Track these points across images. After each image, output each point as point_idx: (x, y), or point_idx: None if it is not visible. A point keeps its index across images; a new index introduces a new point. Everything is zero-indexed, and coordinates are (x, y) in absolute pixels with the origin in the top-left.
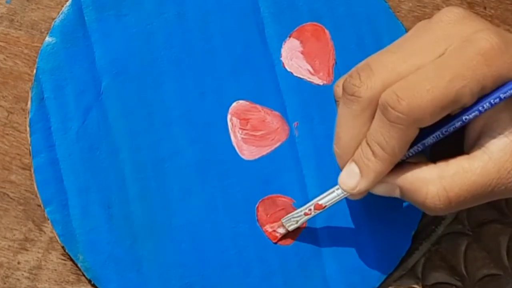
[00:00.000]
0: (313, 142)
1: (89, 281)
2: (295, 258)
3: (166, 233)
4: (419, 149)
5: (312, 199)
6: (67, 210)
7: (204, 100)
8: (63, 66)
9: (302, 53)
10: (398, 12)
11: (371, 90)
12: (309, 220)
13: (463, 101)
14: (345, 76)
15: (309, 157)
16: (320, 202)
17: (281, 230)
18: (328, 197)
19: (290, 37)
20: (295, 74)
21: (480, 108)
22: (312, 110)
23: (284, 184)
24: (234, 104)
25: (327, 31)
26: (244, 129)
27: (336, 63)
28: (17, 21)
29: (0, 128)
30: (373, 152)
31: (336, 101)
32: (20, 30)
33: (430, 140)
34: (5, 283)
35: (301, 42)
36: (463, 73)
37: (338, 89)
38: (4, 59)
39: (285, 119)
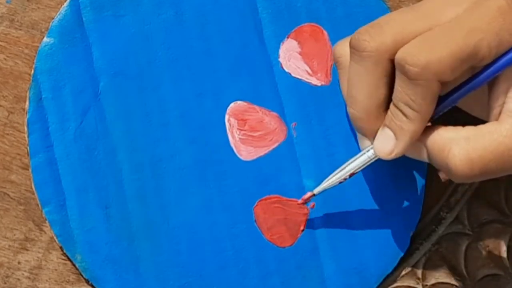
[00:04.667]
0: (311, 142)
1: (87, 281)
2: (293, 259)
3: (164, 233)
4: (447, 107)
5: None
6: (65, 211)
7: (202, 100)
8: (61, 66)
9: (300, 54)
10: None
11: (382, 44)
12: (307, 221)
13: (482, 54)
14: (346, 38)
15: (307, 157)
16: (354, 170)
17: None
18: (357, 162)
19: (288, 37)
20: (293, 75)
21: (503, 62)
22: (310, 110)
23: (282, 184)
24: (232, 104)
25: (325, 32)
26: (242, 130)
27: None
28: (18, 21)
29: (1, 128)
30: (403, 113)
31: (335, 62)
32: (20, 30)
33: (456, 97)
34: (5, 283)
35: (299, 43)
36: (480, 26)
37: (338, 48)
38: (5, 59)
39: (283, 119)
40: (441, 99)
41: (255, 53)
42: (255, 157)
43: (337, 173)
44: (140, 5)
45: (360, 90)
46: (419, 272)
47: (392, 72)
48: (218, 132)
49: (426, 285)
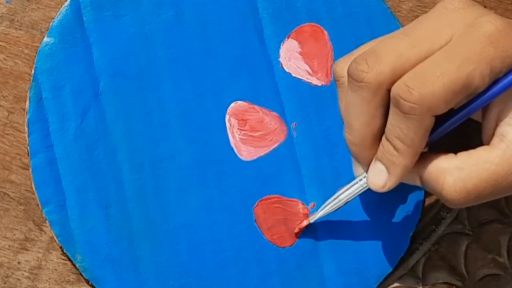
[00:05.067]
0: (312, 142)
1: (87, 281)
2: (293, 259)
3: (164, 233)
4: (438, 137)
5: (310, 200)
6: (65, 211)
7: (202, 100)
8: (61, 66)
9: (300, 53)
10: (398, 12)
11: (380, 75)
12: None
13: (475, 84)
14: (347, 56)
15: (307, 157)
16: (346, 199)
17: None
18: (350, 190)
19: (288, 37)
20: (293, 75)
21: (495, 90)
22: (310, 110)
23: (282, 184)
24: (232, 104)
25: (325, 32)
26: (242, 130)
27: (334, 63)
28: (18, 21)
29: (1, 128)
30: (395, 147)
31: (336, 81)
32: (20, 30)
33: (448, 126)
34: (5, 283)
35: (300, 42)
36: (471, 57)
37: (338, 68)
38: (5, 59)
39: (283, 119)
40: (434, 127)
41: (256, 53)
42: (255, 157)
43: (331, 202)
44: (140, 5)
45: (357, 118)
46: (419, 272)
47: (389, 101)
48: (218, 132)
49: (426, 285)
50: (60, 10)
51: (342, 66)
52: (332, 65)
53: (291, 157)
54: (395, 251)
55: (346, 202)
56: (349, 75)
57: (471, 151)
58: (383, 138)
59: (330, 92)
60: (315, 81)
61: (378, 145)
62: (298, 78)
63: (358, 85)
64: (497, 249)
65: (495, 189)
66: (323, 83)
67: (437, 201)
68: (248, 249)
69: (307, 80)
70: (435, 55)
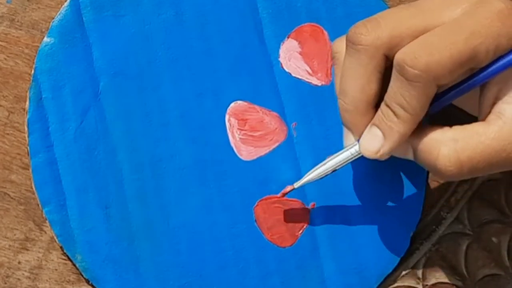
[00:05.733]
0: (311, 142)
1: (87, 281)
2: (293, 258)
3: (164, 233)
4: (440, 107)
5: (310, 199)
6: (65, 210)
7: (202, 100)
8: (61, 66)
9: (300, 53)
10: None
11: (378, 39)
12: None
13: (480, 58)
14: (345, 35)
15: (307, 157)
16: (334, 167)
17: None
18: (339, 158)
19: (288, 37)
20: (293, 75)
21: (497, 67)
22: (310, 110)
23: (282, 184)
24: (232, 104)
25: (325, 32)
26: (242, 130)
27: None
28: (18, 21)
29: (1, 128)
30: (395, 113)
31: (332, 57)
32: (20, 30)
33: (450, 97)
34: (5, 283)
35: (300, 42)
36: (479, 30)
37: (335, 46)
38: (5, 59)
39: (283, 119)
40: (434, 99)
41: (255, 53)
42: (255, 157)
43: (318, 168)
44: (140, 5)
45: (352, 83)
46: (419, 272)
47: (385, 68)
48: (218, 132)
49: (426, 285)
50: (60, 10)
51: (339, 44)
52: (332, 65)
53: (291, 157)
54: (395, 251)
55: (334, 170)
56: (347, 39)
57: (467, 126)
58: (383, 105)
59: (330, 92)
60: (315, 81)
61: (372, 113)
62: (298, 78)
63: (356, 48)
64: (497, 249)
65: (489, 163)
66: (323, 83)
67: (438, 201)
68: (248, 249)
69: (307, 80)
70: (443, 26)
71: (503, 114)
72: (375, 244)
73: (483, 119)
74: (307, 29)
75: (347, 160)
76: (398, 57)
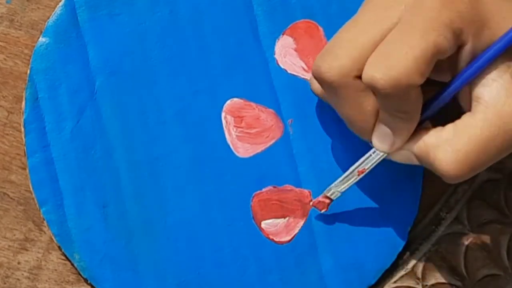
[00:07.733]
0: (308, 139)
1: (86, 280)
2: (291, 255)
3: (162, 231)
4: (438, 106)
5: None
6: (63, 210)
7: (198, 98)
8: (56, 66)
9: (295, 50)
10: None
11: (342, 68)
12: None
13: (443, 49)
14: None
15: (304, 154)
16: (361, 168)
17: (328, 200)
18: (367, 161)
19: (283, 34)
20: (289, 71)
21: (492, 53)
22: (306, 107)
23: (279, 181)
24: (228, 102)
25: (320, 28)
26: (238, 127)
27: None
28: (17, 21)
29: (0, 128)
30: (395, 116)
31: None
32: (20, 30)
33: (445, 97)
34: (5, 283)
35: (295, 39)
36: (431, 24)
37: (313, 82)
38: (4, 59)
39: (279, 116)
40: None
41: (251, 50)
42: (252, 154)
43: (347, 176)
44: (135, 3)
45: (349, 112)
46: (419, 272)
47: None
48: (214, 129)
49: (426, 285)
50: (55, 10)
51: (315, 85)
52: None
53: (288, 154)
54: (393, 246)
55: (361, 172)
56: (316, 79)
57: (457, 121)
58: (381, 110)
59: None
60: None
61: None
62: (294, 75)
63: (329, 85)
64: (497, 250)
65: (487, 154)
66: None
67: (437, 201)
68: (246, 246)
69: (302, 76)
70: (393, 33)
71: (481, 98)
72: (373, 239)
73: (469, 109)
74: (302, 26)
75: (376, 161)
76: (365, 79)
